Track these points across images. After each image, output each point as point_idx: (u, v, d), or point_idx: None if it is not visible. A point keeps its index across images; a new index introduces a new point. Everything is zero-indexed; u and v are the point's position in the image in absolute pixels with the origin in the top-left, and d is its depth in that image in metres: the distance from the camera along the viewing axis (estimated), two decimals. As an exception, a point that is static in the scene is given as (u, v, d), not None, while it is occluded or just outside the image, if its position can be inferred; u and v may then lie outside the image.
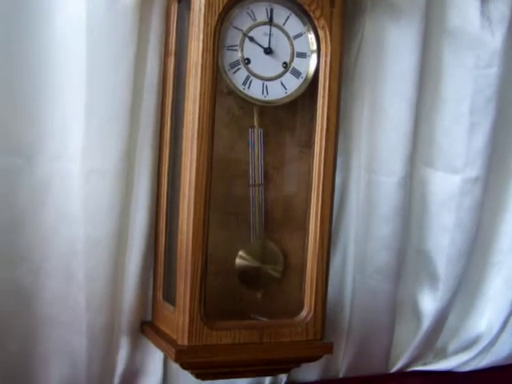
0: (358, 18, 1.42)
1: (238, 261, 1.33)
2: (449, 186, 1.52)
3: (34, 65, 1.22)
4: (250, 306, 1.34)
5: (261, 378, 1.48)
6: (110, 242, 1.27)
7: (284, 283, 1.37)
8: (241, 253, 1.33)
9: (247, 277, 1.34)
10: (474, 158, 1.52)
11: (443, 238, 1.54)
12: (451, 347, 1.67)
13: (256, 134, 1.31)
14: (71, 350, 1.28)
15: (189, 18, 1.20)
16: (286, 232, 1.37)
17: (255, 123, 1.30)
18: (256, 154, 1.31)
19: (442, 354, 1.67)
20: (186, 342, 1.19)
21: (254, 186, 1.32)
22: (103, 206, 1.26)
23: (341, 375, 1.56)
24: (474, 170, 1.52)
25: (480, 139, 1.51)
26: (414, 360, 1.62)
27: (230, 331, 1.22)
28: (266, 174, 1.34)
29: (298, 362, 1.33)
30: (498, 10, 1.48)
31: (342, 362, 1.55)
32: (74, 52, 1.22)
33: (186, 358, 1.20)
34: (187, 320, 1.18)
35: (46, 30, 1.21)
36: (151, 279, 1.35)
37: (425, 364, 1.64)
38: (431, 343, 1.63)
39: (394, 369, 1.61)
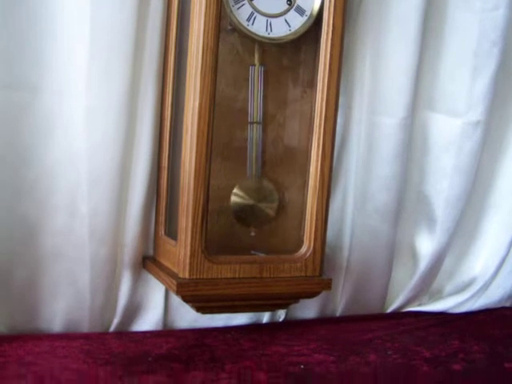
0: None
1: (232, 198, 1.35)
2: (450, 130, 1.53)
3: (39, 1, 1.22)
4: (250, 242, 1.36)
5: (259, 314, 1.51)
6: (112, 178, 1.29)
7: (283, 220, 1.39)
8: (235, 190, 1.35)
9: (241, 214, 1.36)
10: (476, 102, 1.51)
11: (442, 181, 1.55)
12: (446, 289, 1.70)
13: (256, 72, 1.31)
14: (75, 281, 1.32)
15: (193, -47, 1.19)
16: (284, 170, 1.39)
17: (256, 61, 1.31)
18: (255, 92, 1.31)
19: (438, 296, 1.70)
20: (187, 275, 1.21)
21: (253, 123, 1.33)
22: (106, 142, 1.27)
23: (338, 314, 1.59)
24: (476, 114, 1.52)
25: (483, 83, 1.51)
26: (410, 301, 1.65)
27: (231, 265, 1.24)
28: (266, 113, 1.34)
29: (297, 297, 1.36)
30: None
31: (340, 300, 1.58)
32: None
33: (187, 290, 1.22)
34: (188, 253, 1.21)
35: None
36: (153, 214, 1.38)
37: (420, 305, 1.68)
38: (427, 285, 1.66)
39: (391, 309, 1.65)
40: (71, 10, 1.23)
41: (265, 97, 1.33)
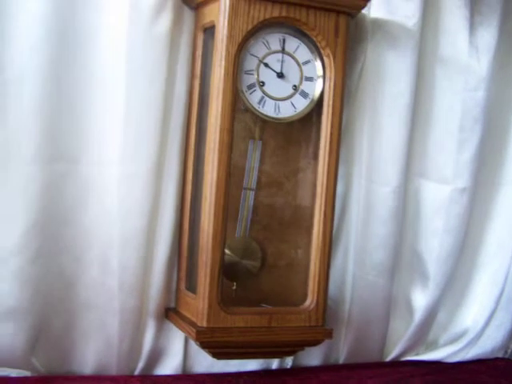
0: (361, 45, 1.61)
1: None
2: (439, 195, 1.70)
3: (79, 82, 1.41)
4: (260, 295, 1.52)
5: (269, 361, 1.66)
6: (140, 237, 1.45)
7: (289, 277, 1.55)
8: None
9: (227, 268, 1.48)
10: (462, 171, 1.70)
11: (433, 240, 1.72)
12: (441, 340, 1.85)
13: (255, 145, 1.50)
14: (105, 329, 1.47)
15: (212, 46, 1.38)
16: (293, 232, 1.55)
17: (256, 135, 1.50)
18: (252, 163, 1.49)
19: (433, 346, 1.84)
20: (204, 324, 1.37)
21: (247, 189, 1.50)
22: (136, 206, 1.44)
23: (340, 361, 1.74)
24: (462, 182, 1.70)
25: (468, 154, 1.69)
26: (408, 350, 1.80)
27: (243, 316, 1.40)
28: (269, 181, 1.52)
29: (302, 345, 1.50)
30: (485, 40, 1.67)
31: (342, 349, 1.73)
32: (114, 71, 1.41)
33: (205, 337, 1.37)
34: (206, 305, 1.36)
35: (90, 51, 1.40)
36: (175, 271, 1.53)
37: (417, 354, 1.82)
38: (423, 335, 1.80)
39: (389, 358, 1.79)
40: (108, 88, 1.42)
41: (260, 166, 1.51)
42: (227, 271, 1.48)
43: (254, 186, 1.51)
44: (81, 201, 1.43)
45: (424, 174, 1.72)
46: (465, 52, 1.67)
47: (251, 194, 1.51)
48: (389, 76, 1.61)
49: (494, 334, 1.84)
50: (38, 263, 1.39)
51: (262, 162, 1.52)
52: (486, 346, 1.84)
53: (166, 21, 1.42)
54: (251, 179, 1.51)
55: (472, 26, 1.66)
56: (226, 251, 1.48)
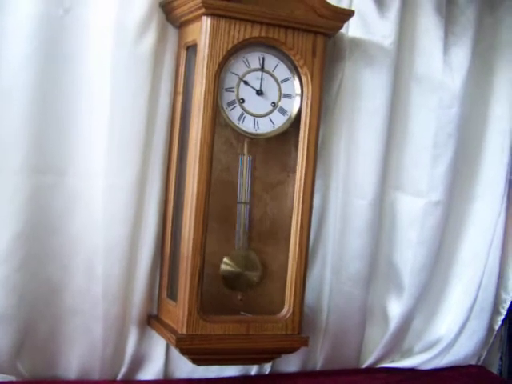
0: (338, 63, 1.67)
1: (222, 266, 1.57)
2: (414, 208, 1.77)
3: (65, 97, 1.46)
4: (238, 304, 1.58)
5: (248, 367, 1.71)
6: (124, 246, 1.51)
7: (267, 286, 1.60)
8: (225, 259, 1.56)
9: (229, 280, 1.57)
10: (436, 185, 1.76)
11: (408, 251, 1.78)
12: (416, 348, 1.91)
13: (245, 161, 1.55)
14: (90, 334, 1.52)
15: (194, 64, 1.44)
16: (267, 243, 1.61)
17: (245, 151, 1.55)
18: (244, 177, 1.55)
19: (408, 354, 1.90)
20: (184, 331, 1.42)
21: (241, 203, 1.56)
22: (120, 215, 1.50)
23: (318, 368, 1.79)
24: (437, 195, 1.77)
25: (442, 168, 1.76)
26: (383, 357, 1.86)
27: (222, 324, 1.45)
28: (253, 194, 1.58)
29: (279, 352, 1.56)
30: (458, 59, 1.74)
31: (319, 356, 1.78)
32: (99, 86, 1.47)
33: (184, 344, 1.43)
34: (186, 313, 1.42)
35: (77, 68, 1.46)
36: (158, 279, 1.59)
37: (392, 361, 1.88)
38: (398, 343, 1.86)
39: (365, 364, 1.85)
40: (93, 103, 1.47)
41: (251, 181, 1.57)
42: (230, 283, 1.55)
43: (248, 200, 1.57)
44: (67, 210, 1.48)
45: (399, 187, 1.78)
46: (439, 70, 1.73)
47: (246, 207, 1.57)
48: (365, 93, 1.67)
49: (468, 341, 1.90)
50: (24, 271, 1.44)
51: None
52: (459, 353, 1.90)
53: (150, 39, 1.48)
54: (244, 193, 1.56)
55: (446, 46, 1.73)
56: (228, 262, 1.55)
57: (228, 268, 1.57)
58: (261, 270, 1.59)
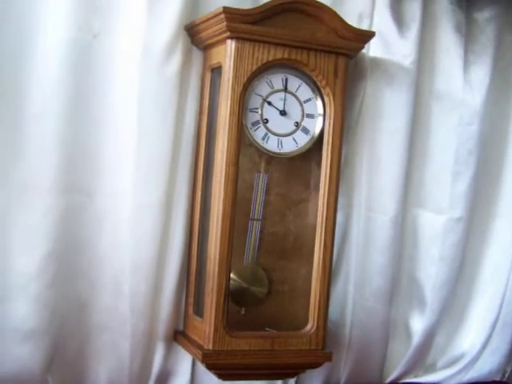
0: (360, 82, 1.70)
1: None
2: (435, 225, 1.79)
3: (94, 119, 1.50)
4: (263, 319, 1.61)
5: (273, 382, 1.73)
6: (150, 264, 1.54)
7: (291, 302, 1.63)
8: (231, 274, 1.56)
9: (236, 295, 1.58)
10: (457, 202, 1.78)
11: (430, 268, 1.80)
12: (439, 363, 1.91)
13: (261, 178, 1.59)
14: (118, 350, 1.55)
15: (219, 85, 1.49)
16: (291, 260, 1.64)
17: (261, 169, 1.59)
18: (258, 195, 1.59)
19: (432, 369, 1.91)
20: (210, 347, 1.45)
21: (253, 220, 1.60)
22: (147, 235, 1.53)
23: (342, 383, 1.81)
24: (458, 212, 1.79)
25: (463, 186, 1.78)
26: (407, 373, 1.87)
27: (247, 339, 1.48)
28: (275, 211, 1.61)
29: (303, 367, 1.58)
30: (478, 77, 1.77)
31: (343, 371, 1.80)
32: (127, 109, 1.51)
33: (211, 359, 1.46)
34: (212, 329, 1.45)
35: (105, 90, 1.50)
36: (184, 296, 1.62)
37: (416, 376, 1.89)
38: (421, 358, 1.87)
39: (389, 379, 1.86)
40: (120, 125, 1.51)
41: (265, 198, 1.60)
42: (236, 297, 1.57)
43: (260, 217, 1.60)
44: (95, 230, 1.52)
45: (421, 204, 1.80)
46: (459, 88, 1.76)
47: (258, 224, 1.60)
48: (387, 112, 1.70)
49: (491, 357, 1.91)
50: (55, 288, 1.48)
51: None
52: (482, 369, 1.91)
53: (176, 62, 1.52)
54: (258, 210, 1.59)
55: (466, 64, 1.76)
56: (235, 278, 1.57)
57: (233, 283, 1.58)
58: (267, 287, 1.62)
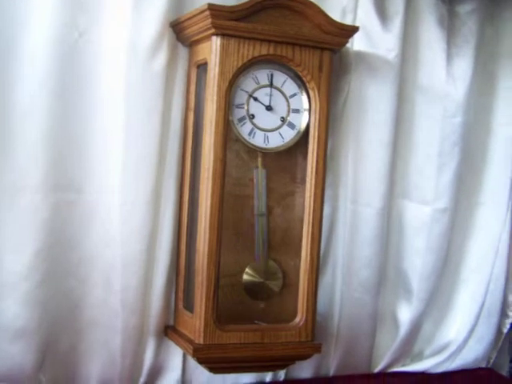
0: (344, 76, 1.72)
1: (244, 276, 1.61)
2: (421, 215, 1.81)
3: (81, 117, 1.51)
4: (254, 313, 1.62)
5: (263, 374, 1.75)
6: (140, 259, 1.55)
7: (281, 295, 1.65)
8: (247, 269, 1.61)
9: (252, 290, 1.62)
10: (442, 193, 1.80)
11: (416, 258, 1.82)
12: (426, 352, 1.94)
13: (260, 174, 1.60)
14: (109, 346, 1.56)
15: (205, 81, 1.49)
16: (284, 253, 1.65)
17: (259, 164, 1.60)
18: (260, 190, 1.60)
19: (419, 358, 1.94)
20: (201, 341, 1.47)
21: (258, 215, 1.61)
22: (136, 230, 1.54)
23: (331, 374, 1.83)
24: (443, 202, 1.81)
25: (447, 177, 1.80)
26: (394, 362, 1.89)
27: (237, 333, 1.50)
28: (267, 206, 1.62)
29: (293, 359, 1.60)
30: (461, 69, 1.79)
31: (332, 362, 1.82)
32: (113, 106, 1.51)
33: (201, 353, 1.47)
34: (203, 323, 1.46)
35: (92, 88, 1.50)
36: (174, 291, 1.63)
37: (403, 365, 1.91)
38: (408, 348, 1.90)
39: (377, 369, 1.88)
40: (107, 119, 1.51)
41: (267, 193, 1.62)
42: (252, 293, 1.61)
43: (264, 211, 1.61)
44: (85, 227, 1.53)
45: (406, 195, 1.82)
46: (443, 81, 1.78)
47: (264, 219, 1.61)
48: (371, 105, 1.72)
49: (477, 345, 1.94)
50: (46, 285, 1.49)
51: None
52: (468, 356, 1.94)
53: (162, 59, 1.52)
54: (261, 205, 1.60)
55: (449, 57, 1.78)
56: (250, 273, 1.60)
57: (250, 278, 1.61)
58: (282, 279, 1.64)
